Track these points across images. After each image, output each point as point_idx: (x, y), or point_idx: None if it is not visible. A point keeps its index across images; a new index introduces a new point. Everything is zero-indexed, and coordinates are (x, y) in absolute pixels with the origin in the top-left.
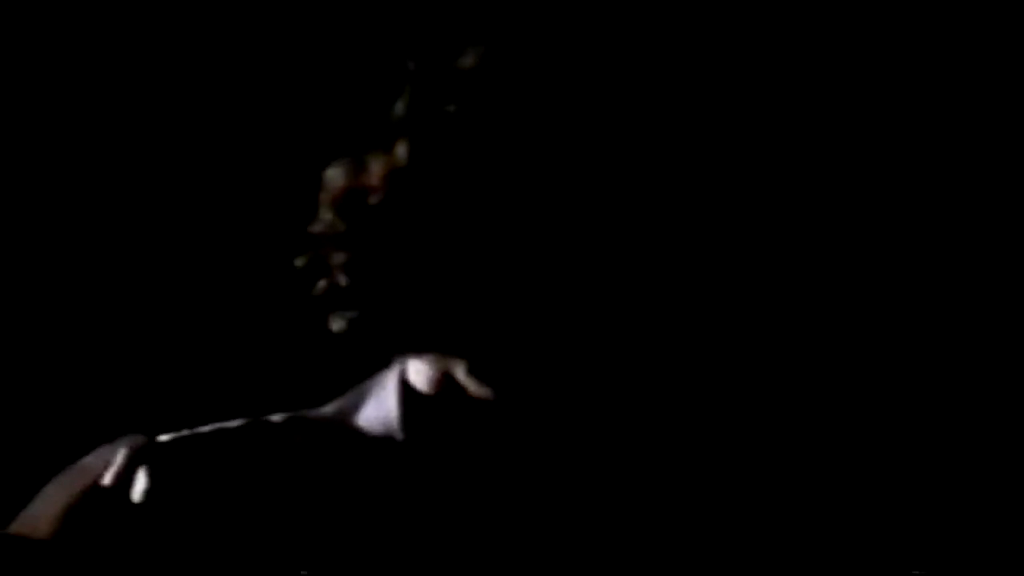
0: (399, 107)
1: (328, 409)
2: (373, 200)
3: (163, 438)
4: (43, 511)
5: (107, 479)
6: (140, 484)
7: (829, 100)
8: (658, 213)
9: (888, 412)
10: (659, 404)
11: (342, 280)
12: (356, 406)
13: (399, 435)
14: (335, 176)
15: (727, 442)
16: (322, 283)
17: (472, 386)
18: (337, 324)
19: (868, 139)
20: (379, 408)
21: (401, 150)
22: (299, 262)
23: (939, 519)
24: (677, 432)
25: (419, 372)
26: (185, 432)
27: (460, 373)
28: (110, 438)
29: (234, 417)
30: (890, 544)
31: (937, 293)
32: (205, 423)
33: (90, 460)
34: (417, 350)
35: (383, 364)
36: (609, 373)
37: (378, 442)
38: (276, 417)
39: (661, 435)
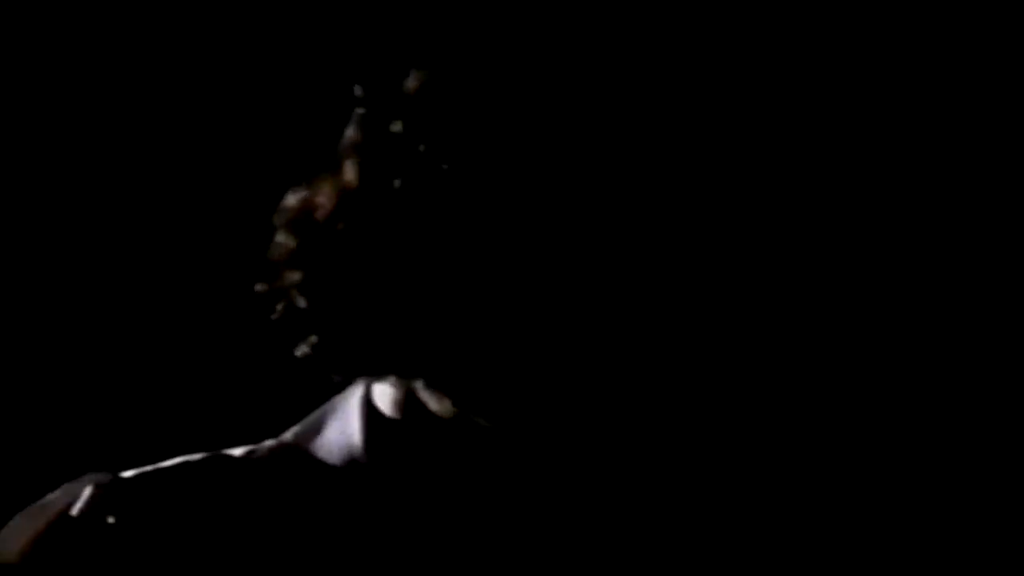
0: (348, 132)
1: (288, 436)
2: (322, 217)
3: (127, 474)
4: (9, 545)
5: (73, 514)
6: (105, 520)
7: (825, 100)
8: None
9: (888, 412)
10: (631, 418)
11: (300, 302)
12: (317, 431)
13: (363, 459)
14: (289, 199)
15: (718, 458)
16: (280, 306)
17: (434, 404)
18: (300, 349)
19: (867, 139)
20: (341, 432)
21: (350, 170)
22: (259, 287)
23: (938, 520)
24: (655, 447)
25: (383, 394)
26: (148, 468)
27: (422, 392)
28: (72, 474)
29: (196, 450)
30: (889, 545)
31: (936, 293)
32: (166, 457)
33: (56, 496)
34: (378, 372)
35: (342, 386)
36: (573, 390)
37: (341, 468)
38: (237, 451)
39: (633, 450)
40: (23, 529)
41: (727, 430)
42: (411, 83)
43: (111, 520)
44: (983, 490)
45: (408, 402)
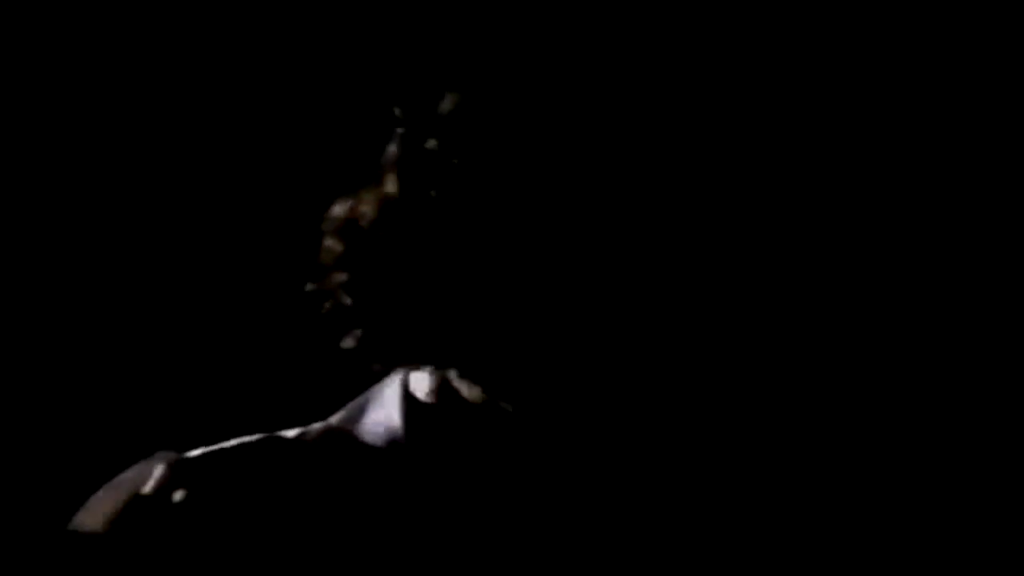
0: (389, 148)
1: (334, 420)
2: (366, 225)
3: (192, 453)
4: (91, 521)
5: (146, 491)
6: (175, 496)
7: (819, 100)
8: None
9: (887, 412)
10: (652, 406)
11: (346, 300)
12: (360, 415)
13: (402, 440)
14: (335, 208)
15: (726, 447)
16: (328, 303)
17: (466, 391)
18: (346, 342)
19: (866, 139)
20: (383, 416)
21: (391, 182)
22: (309, 287)
23: (938, 520)
24: (669, 431)
25: (419, 381)
26: (211, 448)
27: (455, 380)
28: (140, 454)
29: (250, 432)
30: (888, 545)
31: (936, 293)
32: (223, 439)
33: (130, 474)
34: (415, 362)
35: (382, 375)
36: (597, 380)
37: (383, 449)
38: (289, 432)
39: (655, 436)
40: (102, 506)
41: (749, 431)
42: (445, 105)
43: (179, 496)
44: (983, 490)
45: (442, 389)
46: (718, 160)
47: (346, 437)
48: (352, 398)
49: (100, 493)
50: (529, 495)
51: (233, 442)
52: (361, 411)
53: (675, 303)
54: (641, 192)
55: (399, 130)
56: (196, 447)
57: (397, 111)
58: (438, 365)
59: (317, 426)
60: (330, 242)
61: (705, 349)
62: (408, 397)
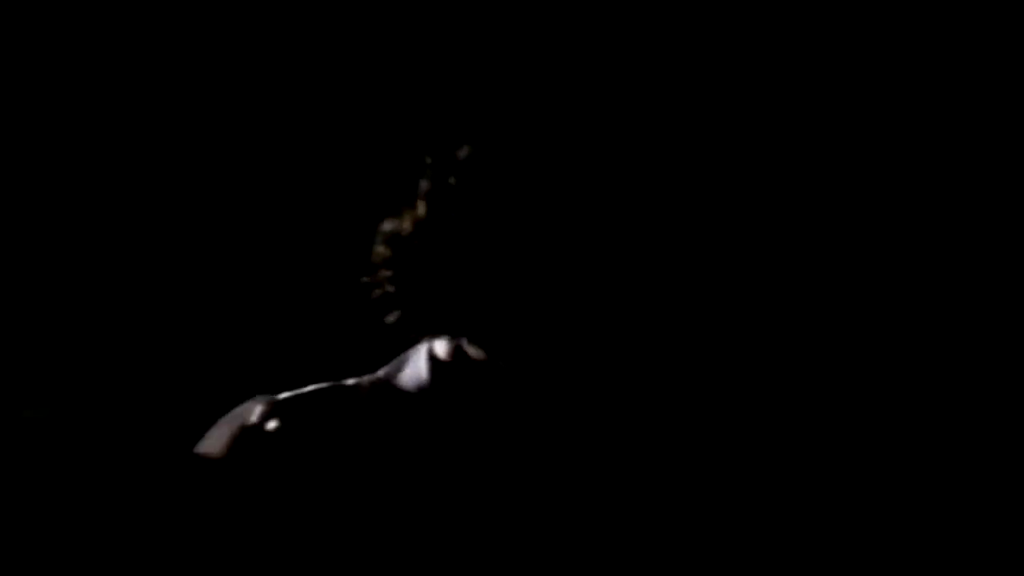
0: (422, 183)
1: (380, 373)
2: (405, 237)
3: (282, 396)
4: (213, 446)
5: (250, 423)
6: (270, 426)
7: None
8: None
9: (888, 412)
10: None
11: (390, 289)
12: (399, 370)
13: (428, 387)
14: (386, 225)
15: (720, 434)
16: (378, 291)
17: (472, 352)
18: (389, 318)
19: (866, 139)
20: (414, 371)
21: (422, 207)
22: (364, 279)
23: (937, 519)
24: (658, 411)
25: (440, 346)
26: (295, 392)
27: (465, 345)
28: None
29: (320, 381)
30: (887, 544)
31: (936, 292)
32: (303, 386)
33: (238, 411)
34: (437, 332)
35: (415, 341)
36: (569, 345)
37: (414, 394)
38: (349, 381)
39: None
40: (220, 435)
41: (746, 423)
42: (462, 153)
43: (273, 426)
44: (982, 489)
45: (456, 352)
46: (718, 172)
47: (388, 386)
48: (393, 358)
49: (218, 424)
50: (516, 426)
51: (310, 388)
52: (399, 367)
53: (668, 297)
54: (629, 199)
55: (428, 170)
56: (284, 392)
57: (428, 158)
58: (453, 335)
59: (368, 378)
60: (380, 248)
61: (701, 345)
62: (432, 357)
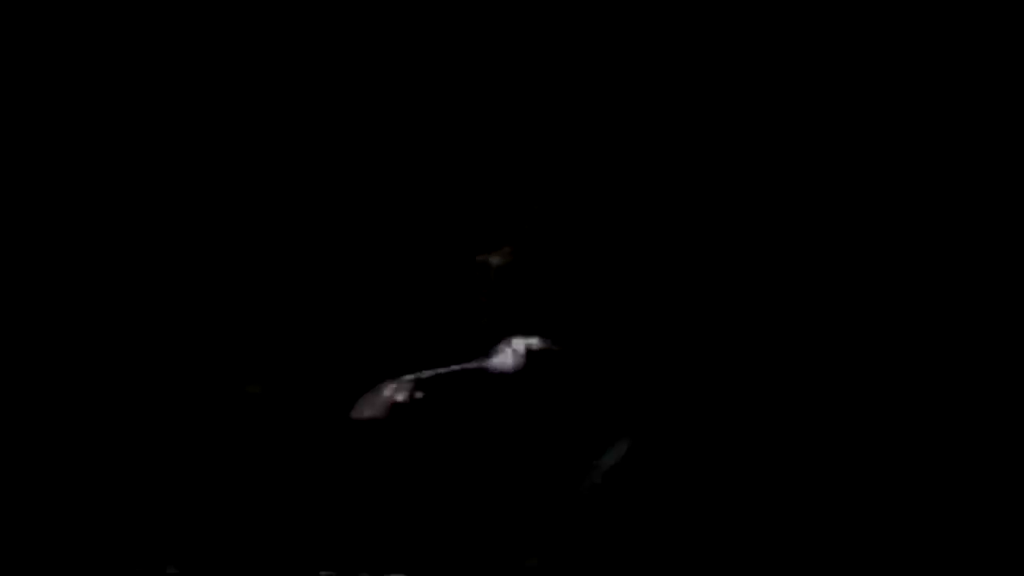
0: (508, 229)
1: (477, 362)
2: (495, 268)
3: (408, 377)
4: (366, 411)
5: (387, 395)
6: (416, 395)
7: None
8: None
9: (888, 412)
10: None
11: (483, 302)
12: (489, 360)
13: (511, 371)
14: (481, 259)
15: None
16: (476, 304)
17: (539, 345)
18: (484, 323)
19: (867, 139)
20: (502, 360)
21: (507, 244)
22: (469, 297)
23: (938, 519)
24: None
25: (520, 343)
26: (418, 374)
27: (536, 340)
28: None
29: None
30: (889, 543)
31: (936, 292)
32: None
33: (386, 384)
34: (517, 334)
35: (500, 339)
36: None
37: (503, 376)
38: (457, 367)
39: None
40: (371, 402)
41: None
42: (536, 207)
43: (419, 395)
44: (983, 490)
45: (531, 346)
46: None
47: (484, 372)
48: (487, 352)
49: (367, 395)
50: (575, 396)
51: (429, 371)
52: (490, 358)
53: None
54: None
55: (513, 220)
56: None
57: (511, 212)
58: (526, 335)
59: (471, 364)
60: (479, 274)
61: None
62: (515, 351)
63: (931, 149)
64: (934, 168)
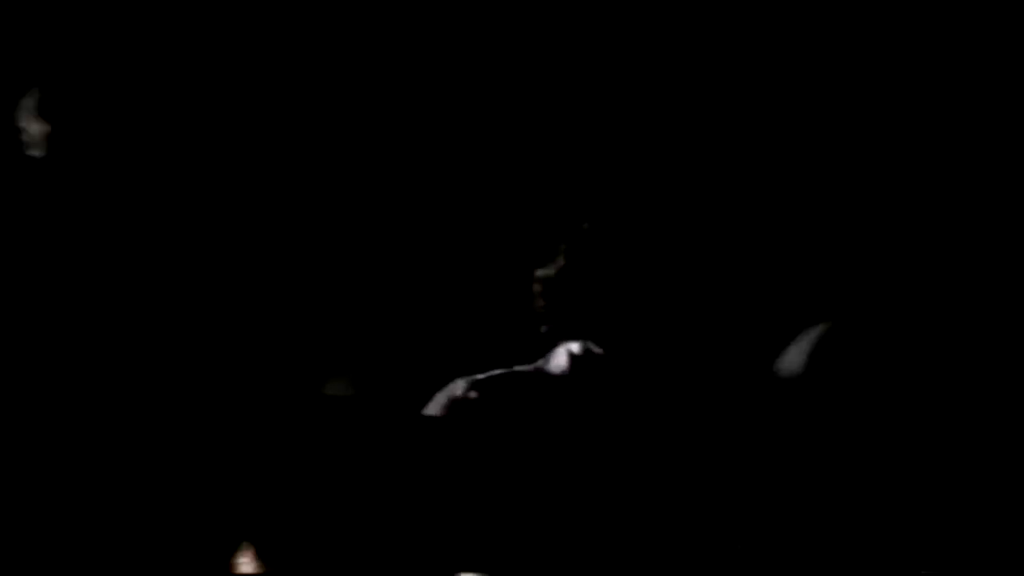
0: (561, 246)
1: (538, 363)
2: (551, 279)
3: (476, 377)
4: (433, 409)
5: (459, 393)
6: (471, 395)
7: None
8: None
9: (889, 412)
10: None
11: (541, 310)
12: (547, 362)
13: (566, 373)
14: (539, 271)
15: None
16: (535, 311)
17: (593, 350)
18: (543, 329)
19: (867, 139)
20: (557, 362)
21: (561, 260)
22: (530, 304)
23: (943, 518)
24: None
25: (572, 347)
26: (486, 374)
27: (588, 345)
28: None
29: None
30: (895, 543)
31: (936, 292)
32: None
33: (453, 385)
34: (572, 338)
35: (556, 343)
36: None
37: (558, 377)
38: (518, 368)
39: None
40: (440, 401)
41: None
42: (585, 226)
43: (473, 395)
44: (984, 490)
45: (583, 349)
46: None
47: (542, 373)
48: (545, 354)
49: (438, 395)
50: (623, 396)
51: (493, 372)
52: (548, 360)
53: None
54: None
55: (565, 237)
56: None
57: (563, 245)
58: (578, 339)
59: (528, 366)
60: (536, 286)
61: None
62: (570, 354)
63: (932, 149)
64: (935, 168)
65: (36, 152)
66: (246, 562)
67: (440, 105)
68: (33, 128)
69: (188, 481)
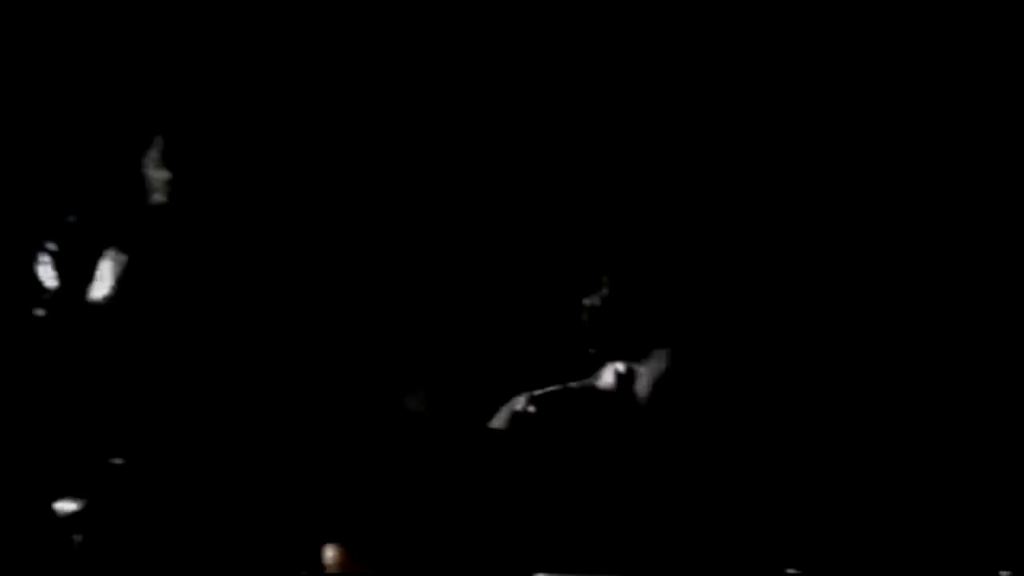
0: (604, 278)
1: (587, 381)
2: (597, 305)
3: (536, 392)
4: (498, 422)
5: (520, 408)
6: (530, 409)
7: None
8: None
9: (888, 412)
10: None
11: (590, 334)
12: (597, 379)
13: (612, 390)
14: (586, 300)
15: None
16: (584, 336)
17: (636, 369)
18: (591, 352)
19: (868, 139)
20: (604, 379)
21: (605, 291)
22: (581, 330)
23: (936, 518)
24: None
25: (617, 366)
26: (544, 390)
27: (630, 364)
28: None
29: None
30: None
31: (937, 293)
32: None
33: (515, 401)
34: (618, 359)
35: (602, 363)
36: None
37: (606, 392)
38: (572, 384)
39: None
40: (504, 415)
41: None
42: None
43: (532, 409)
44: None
45: (626, 368)
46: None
47: (592, 388)
48: (593, 373)
49: (501, 409)
50: (664, 410)
51: (550, 388)
52: (596, 378)
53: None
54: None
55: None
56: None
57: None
58: (625, 360)
59: (580, 383)
60: (584, 314)
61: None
62: (616, 372)
63: (932, 149)
64: (936, 168)
65: (159, 198)
66: (335, 561)
67: (511, 158)
68: (156, 176)
69: (291, 483)
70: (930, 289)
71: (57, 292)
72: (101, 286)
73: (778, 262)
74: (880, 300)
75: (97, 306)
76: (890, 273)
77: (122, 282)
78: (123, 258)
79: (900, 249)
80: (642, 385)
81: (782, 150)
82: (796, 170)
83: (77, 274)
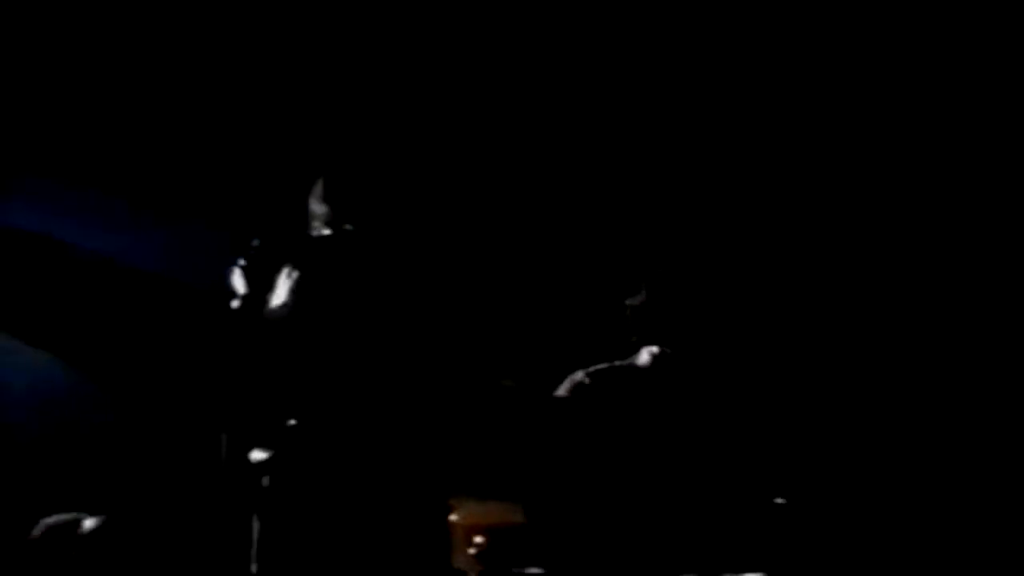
0: (643, 283)
1: (629, 360)
2: (636, 307)
3: (590, 368)
4: (561, 391)
5: (578, 379)
6: (587, 381)
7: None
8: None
9: (887, 413)
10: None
11: (631, 323)
12: (635, 359)
13: (648, 367)
14: (628, 300)
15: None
16: (626, 326)
17: (669, 351)
18: (632, 338)
19: (868, 140)
20: (641, 359)
21: (644, 293)
22: (623, 322)
23: (936, 517)
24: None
25: (650, 349)
26: (595, 367)
27: (661, 347)
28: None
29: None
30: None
31: (937, 295)
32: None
33: (572, 375)
34: (649, 344)
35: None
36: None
37: (642, 368)
38: (617, 362)
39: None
40: (566, 385)
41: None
42: (658, 270)
43: (587, 381)
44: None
45: (659, 350)
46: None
47: (633, 366)
48: (634, 355)
49: (565, 380)
50: (692, 388)
51: (600, 365)
52: (635, 358)
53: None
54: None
55: (645, 289)
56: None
57: (636, 298)
58: (653, 344)
59: (624, 362)
60: (628, 312)
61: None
62: (651, 353)
63: (934, 150)
64: (937, 169)
65: (320, 227)
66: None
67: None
68: (319, 210)
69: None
70: (930, 289)
71: (246, 297)
72: (279, 294)
73: (784, 268)
74: (882, 301)
75: (274, 309)
76: (893, 274)
77: (293, 292)
78: (295, 274)
79: (909, 251)
80: (671, 364)
81: (792, 162)
82: (808, 182)
83: (260, 284)
